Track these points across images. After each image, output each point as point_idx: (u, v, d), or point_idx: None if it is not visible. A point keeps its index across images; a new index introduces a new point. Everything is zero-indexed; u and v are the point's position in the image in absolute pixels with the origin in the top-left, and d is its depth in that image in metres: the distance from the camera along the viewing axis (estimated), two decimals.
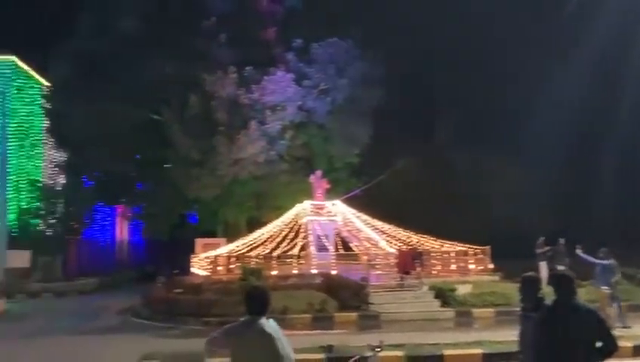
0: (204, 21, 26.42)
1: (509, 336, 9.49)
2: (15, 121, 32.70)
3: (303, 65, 27.71)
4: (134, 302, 21.42)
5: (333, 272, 21.07)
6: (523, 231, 24.63)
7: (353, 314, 16.80)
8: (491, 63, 33.63)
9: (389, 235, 23.98)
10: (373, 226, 24.74)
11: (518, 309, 5.85)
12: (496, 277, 20.93)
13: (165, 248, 40.60)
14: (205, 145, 25.83)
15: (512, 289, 15.83)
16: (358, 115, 28.98)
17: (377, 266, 20.49)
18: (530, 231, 22.08)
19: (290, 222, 25.46)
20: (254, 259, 22.85)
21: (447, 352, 10.58)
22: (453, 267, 21.86)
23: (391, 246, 22.32)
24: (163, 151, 27.27)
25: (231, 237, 27.67)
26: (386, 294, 17.98)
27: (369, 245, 23.25)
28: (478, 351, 10.63)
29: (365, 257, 21.97)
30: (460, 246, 22.68)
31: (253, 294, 4.37)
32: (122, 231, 45.40)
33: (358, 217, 25.40)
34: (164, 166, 28.70)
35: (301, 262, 23.24)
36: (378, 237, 23.46)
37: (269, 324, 4.15)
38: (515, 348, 5.91)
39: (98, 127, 26.54)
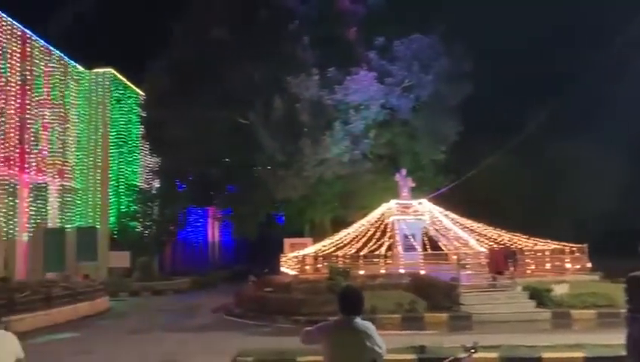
0: (289, 25, 26.83)
1: (613, 339, 8.93)
2: (114, 130, 34.70)
3: (386, 63, 27.48)
4: (226, 300, 22.15)
5: (422, 272, 20.79)
6: (623, 227, 23.21)
7: (444, 315, 16.48)
8: (585, 55, 31.82)
9: (479, 234, 23.33)
10: (462, 225, 24.14)
11: (623, 311, 5.49)
12: (596, 277, 19.94)
13: (254, 248, 41.87)
14: (291, 146, 26.25)
15: (614, 290, 14.94)
16: (444, 111, 28.43)
17: (468, 266, 19.95)
18: (631, 227, 20.77)
19: (376, 221, 25.33)
20: (341, 259, 22.95)
21: (546, 355, 10.06)
22: (548, 266, 20.97)
23: (481, 245, 21.69)
24: (251, 154, 28.00)
25: (317, 236, 27.96)
26: (478, 294, 17.45)
27: (458, 244, 22.70)
28: (580, 354, 10.03)
29: (455, 257, 21.48)
30: (554, 245, 21.73)
31: (347, 294, 4.36)
32: (213, 232, 47.21)
33: (446, 216, 24.86)
34: (253, 168, 29.47)
35: (388, 261, 23.08)
36: (468, 236, 22.84)
37: (365, 324, 4.13)
38: (621, 351, 5.54)
39: (190, 132, 27.64)
